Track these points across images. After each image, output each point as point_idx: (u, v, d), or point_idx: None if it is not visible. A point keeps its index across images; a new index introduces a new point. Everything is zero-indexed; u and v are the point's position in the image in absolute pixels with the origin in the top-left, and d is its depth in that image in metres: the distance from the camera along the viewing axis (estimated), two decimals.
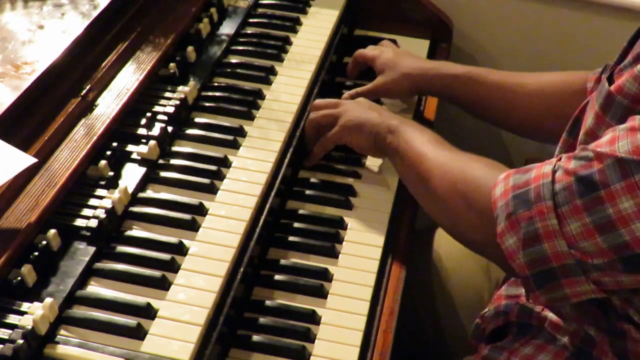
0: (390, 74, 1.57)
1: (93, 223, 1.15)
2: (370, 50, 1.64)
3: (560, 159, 1.04)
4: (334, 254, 1.29)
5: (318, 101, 1.49)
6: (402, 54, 1.63)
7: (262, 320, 1.18)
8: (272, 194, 1.32)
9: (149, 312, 1.08)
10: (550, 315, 1.18)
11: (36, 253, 1.09)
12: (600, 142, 0.99)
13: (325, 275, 1.25)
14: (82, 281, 1.11)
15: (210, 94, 1.49)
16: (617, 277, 1.00)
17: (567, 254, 1.00)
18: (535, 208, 1.01)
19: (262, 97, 1.50)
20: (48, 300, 1.03)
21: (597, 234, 0.97)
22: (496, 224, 1.05)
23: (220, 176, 1.30)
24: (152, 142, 1.29)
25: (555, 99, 1.44)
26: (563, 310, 1.17)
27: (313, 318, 1.18)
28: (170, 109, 1.38)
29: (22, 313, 1.02)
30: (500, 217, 1.05)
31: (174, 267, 1.15)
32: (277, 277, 1.24)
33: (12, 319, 1.02)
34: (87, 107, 1.32)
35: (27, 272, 1.06)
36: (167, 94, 1.42)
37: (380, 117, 1.39)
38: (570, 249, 1.00)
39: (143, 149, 1.29)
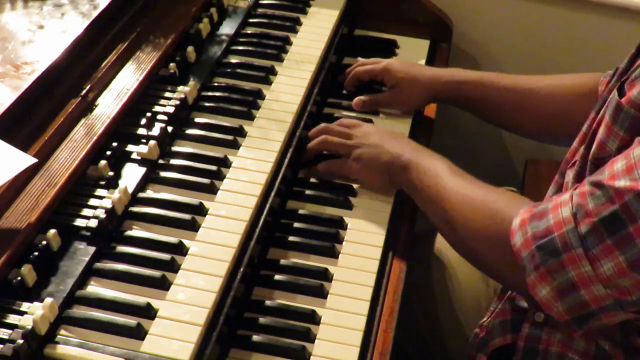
0: (406, 86, 1.57)
1: (93, 223, 1.15)
2: (375, 65, 1.62)
3: (572, 198, 1.01)
4: (334, 254, 1.29)
5: (334, 127, 1.46)
6: (410, 64, 1.63)
7: (262, 320, 1.18)
8: (272, 194, 1.32)
9: (149, 312, 1.08)
10: (559, 337, 1.18)
11: (36, 253, 1.09)
12: (615, 172, 0.97)
13: (325, 275, 1.25)
14: (82, 281, 1.11)
15: (210, 94, 1.49)
16: None
17: (605, 296, 0.99)
18: (566, 257, 1.00)
19: (262, 97, 1.50)
20: (48, 300, 1.03)
21: (632, 270, 0.96)
22: (524, 273, 1.04)
23: (220, 176, 1.30)
24: (152, 142, 1.29)
25: (567, 101, 1.44)
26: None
27: (313, 318, 1.18)
28: (170, 109, 1.38)
29: (22, 313, 1.02)
30: (527, 268, 1.03)
31: (174, 267, 1.15)
32: (277, 277, 1.24)
33: (12, 319, 1.02)
34: (87, 107, 1.32)
35: (27, 272, 1.06)
36: (167, 94, 1.42)
37: (392, 152, 1.36)
38: (606, 290, 0.99)
39: (143, 149, 1.29)
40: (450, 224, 1.20)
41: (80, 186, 1.21)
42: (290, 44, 1.65)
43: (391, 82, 1.58)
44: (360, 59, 1.68)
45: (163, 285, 1.12)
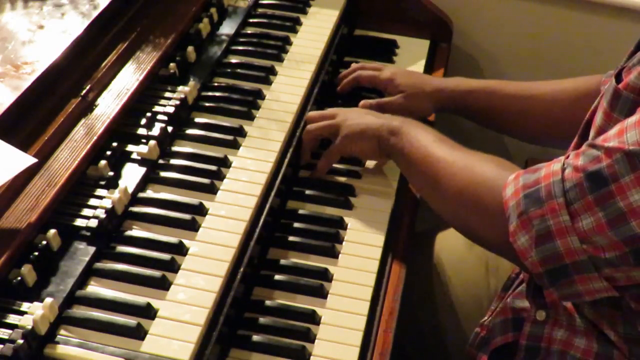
0: (412, 95, 1.57)
1: (93, 223, 1.15)
2: (379, 73, 1.61)
3: (568, 157, 1.04)
4: (334, 254, 1.29)
5: (312, 113, 1.49)
6: (415, 75, 1.63)
7: (262, 320, 1.18)
8: (272, 194, 1.32)
9: (149, 312, 1.08)
10: (560, 334, 1.18)
11: (36, 253, 1.09)
12: (608, 135, 1.00)
13: (325, 275, 1.25)
14: (82, 281, 1.11)
15: (210, 94, 1.49)
16: (628, 271, 1.01)
17: (580, 250, 1.01)
18: (547, 206, 1.02)
19: (262, 97, 1.50)
20: (48, 300, 1.03)
21: (610, 227, 0.98)
22: (508, 223, 1.06)
23: (220, 176, 1.30)
24: (152, 142, 1.29)
25: (572, 105, 1.45)
26: (579, 319, 1.17)
27: (313, 318, 1.18)
28: (170, 109, 1.38)
29: (22, 313, 1.02)
30: (511, 216, 1.06)
31: (174, 267, 1.15)
32: (277, 277, 1.24)
33: (12, 319, 1.02)
34: (87, 107, 1.32)
35: (27, 272, 1.06)
36: (167, 94, 1.42)
37: (380, 120, 1.39)
38: (582, 245, 1.00)
39: (143, 149, 1.29)
40: (437, 189, 1.22)
41: (80, 186, 1.21)
42: (290, 44, 1.65)
43: (395, 92, 1.58)
44: (356, 65, 1.67)
45: (163, 285, 1.12)
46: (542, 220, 1.02)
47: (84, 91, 1.33)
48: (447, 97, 1.57)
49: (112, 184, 1.23)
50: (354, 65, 1.67)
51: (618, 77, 1.07)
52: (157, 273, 1.13)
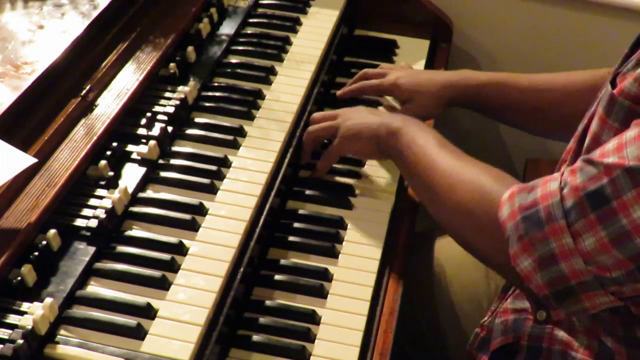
0: (420, 99, 1.54)
1: (93, 223, 1.15)
2: (383, 81, 1.58)
3: (563, 174, 1.02)
4: (334, 254, 1.29)
5: (316, 114, 1.48)
6: (418, 75, 1.60)
7: (262, 320, 1.18)
8: (272, 194, 1.32)
9: (149, 312, 1.08)
10: (561, 334, 1.18)
11: (36, 253, 1.09)
12: (606, 151, 0.98)
13: (325, 275, 1.25)
14: (82, 281, 1.11)
15: (210, 94, 1.49)
16: (634, 286, 0.99)
17: (585, 271, 0.99)
18: (548, 228, 1.00)
19: (262, 97, 1.50)
20: (48, 300, 1.03)
21: (613, 246, 0.96)
22: (508, 245, 1.04)
23: (220, 176, 1.30)
24: (152, 142, 1.29)
25: (585, 97, 1.43)
26: (577, 322, 1.16)
27: (313, 318, 1.18)
28: (170, 109, 1.38)
29: (22, 313, 1.02)
30: (511, 239, 1.04)
31: (174, 267, 1.15)
32: (277, 277, 1.24)
33: (12, 319, 1.02)
34: (87, 107, 1.32)
35: (27, 272, 1.06)
36: (167, 94, 1.42)
37: (379, 120, 1.37)
38: (587, 265, 0.99)
39: (143, 149, 1.29)
40: (435, 195, 1.20)
41: (80, 186, 1.21)
42: (290, 44, 1.65)
43: (403, 97, 1.56)
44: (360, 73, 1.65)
45: (163, 285, 1.12)
46: (545, 243, 1.00)
47: (84, 91, 1.33)
48: (458, 94, 1.54)
49: (112, 184, 1.23)
50: (359, 75, 1.64)
51: (612, 83, 1.06)
52: (157, 273, 1.13)
